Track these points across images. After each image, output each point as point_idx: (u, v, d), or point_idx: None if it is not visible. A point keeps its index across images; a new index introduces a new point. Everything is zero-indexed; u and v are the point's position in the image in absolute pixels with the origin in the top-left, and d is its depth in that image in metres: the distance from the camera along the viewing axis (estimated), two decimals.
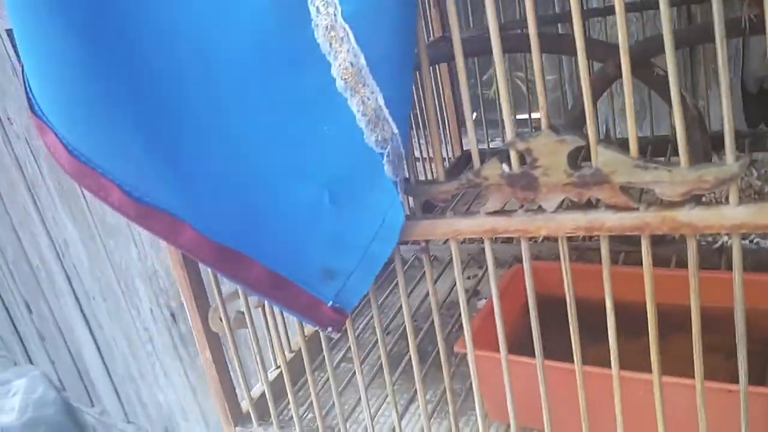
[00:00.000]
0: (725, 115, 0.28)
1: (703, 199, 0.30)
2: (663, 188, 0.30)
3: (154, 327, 1.61)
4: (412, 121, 0.77)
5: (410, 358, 0.40)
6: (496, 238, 0.47)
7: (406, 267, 0.71)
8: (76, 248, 1.65)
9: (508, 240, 0.68)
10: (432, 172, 0.81)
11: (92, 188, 0.34)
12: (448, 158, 0.87)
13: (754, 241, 0.60)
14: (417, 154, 0.82)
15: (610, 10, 0.62)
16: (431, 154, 0.46)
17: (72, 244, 1.65)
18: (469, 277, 0.66)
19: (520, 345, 0.42)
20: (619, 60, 0.29)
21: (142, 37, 0.32)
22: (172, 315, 1.55)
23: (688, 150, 0.29)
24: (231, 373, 0.51)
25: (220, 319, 0.46)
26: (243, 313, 0.46)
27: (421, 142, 0.83)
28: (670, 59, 0.28)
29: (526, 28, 0.30)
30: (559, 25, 0.70)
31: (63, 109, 0.33)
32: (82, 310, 1.77)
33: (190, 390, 1.65)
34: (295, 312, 0.38)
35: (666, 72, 0.29)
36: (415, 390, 0.45)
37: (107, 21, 0.32)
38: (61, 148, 0.34)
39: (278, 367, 0.54)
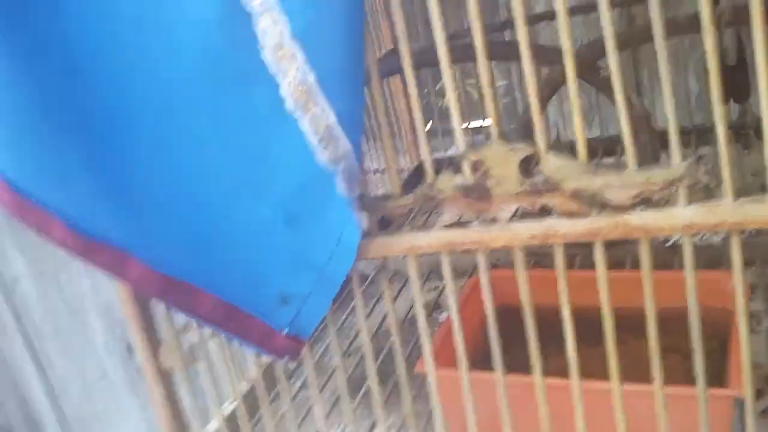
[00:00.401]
0: (669, 117, 0.28)
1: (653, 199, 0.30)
2: (613, 192, 0.30)
3: (108, 361, 1.56)
4: (369, 135, 0.77)
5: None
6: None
7: (366, 283, 0.70)
8: (25, 284, 1.58)
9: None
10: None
11: (35, 224, 0.32)
12: (407, 168, 0.87)
13: (704, 237, 0.61)
14: (375, 166, 0.81)
15: (555, 14, 0.63)
16: None
17: (21, 280, 1.58)
18: (430, 290, 0.66)
19: (485, 358, 0.41)
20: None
21: (85, 65, 0.30)
22: (128, 348, 1.50)
23: (636, 151, 0.29)
24: (184, 409, 0.48)
25: (173, 354, 0.44)
26: (196, 346, 0.44)
27: (379, 153, 0.82)
28: (612, 61, 0.28)
29: None
30: (508, 31, 0.70)
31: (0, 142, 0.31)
32: (32, 349, 1.70)
33: (146, 426, 1.59)
34: (249, 343, 0.36)
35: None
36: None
37: (49, 50, 0.30)
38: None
39: (234, 399, 0.52)
